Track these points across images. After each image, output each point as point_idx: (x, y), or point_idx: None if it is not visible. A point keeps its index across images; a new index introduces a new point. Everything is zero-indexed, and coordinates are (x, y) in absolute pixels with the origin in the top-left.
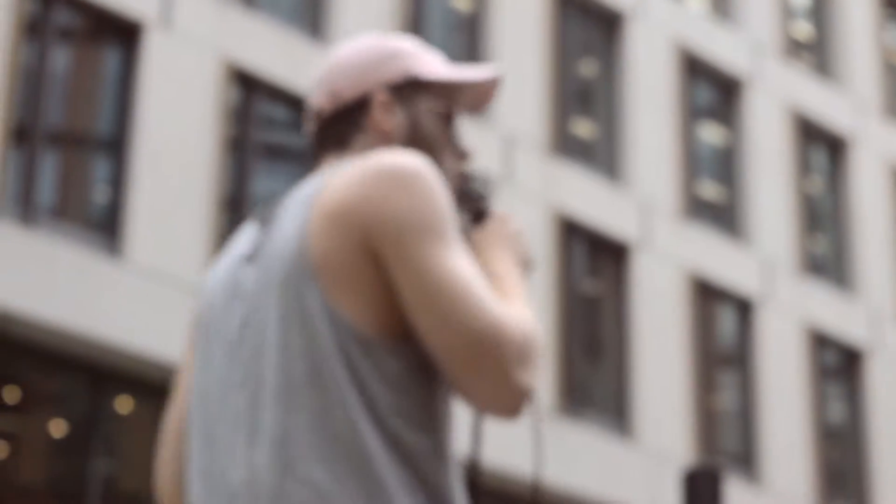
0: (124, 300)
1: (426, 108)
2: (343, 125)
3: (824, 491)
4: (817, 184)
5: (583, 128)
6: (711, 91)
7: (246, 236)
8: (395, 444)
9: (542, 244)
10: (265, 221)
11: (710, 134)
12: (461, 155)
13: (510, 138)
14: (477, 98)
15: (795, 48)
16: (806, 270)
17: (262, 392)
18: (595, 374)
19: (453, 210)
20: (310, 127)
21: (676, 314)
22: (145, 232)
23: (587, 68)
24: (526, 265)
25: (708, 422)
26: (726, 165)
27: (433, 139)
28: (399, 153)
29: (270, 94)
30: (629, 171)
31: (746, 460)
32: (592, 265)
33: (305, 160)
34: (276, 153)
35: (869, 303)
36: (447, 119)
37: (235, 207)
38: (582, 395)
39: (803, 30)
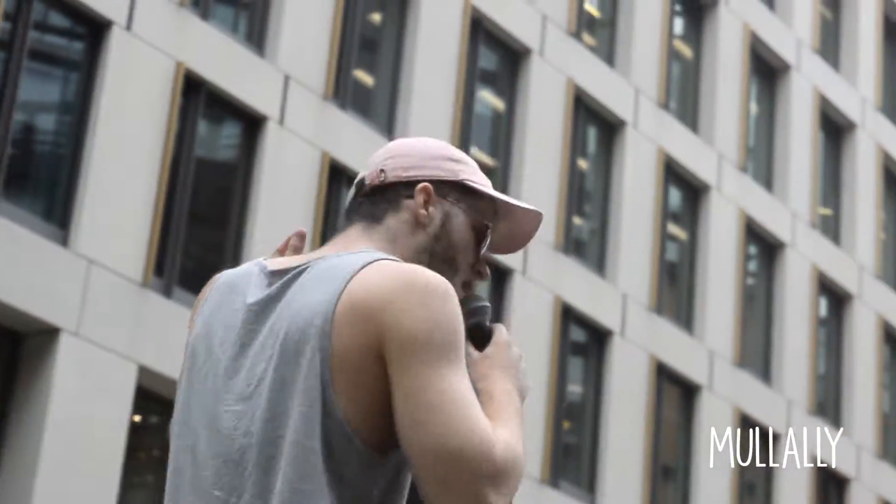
0: None
1: (464, 216)
2: (381, 200)
3: (552, 469)
4: (587, 165)
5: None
6: (495, 59)
7: (251, 281)
8: None
9: None
10: (283, 279)
11: (489, 101)
12: (479, 274)
13: None
14: (514, 237)
15: (582, 27)
16: (564, 248)
17: (254, 448)
18: None
19: (462, 332)
20: (351, 195)
21: None
22: None
23: None
24: (523, 391)
25: None
26: (500, 135)
27: (459, 245)
28: (427, 270)
29: None
30: (404, 128)
31: None
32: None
33: (77, 69)
34: (48, 60)
35: (621, 286)
36: (480, 235)
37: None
38: None
39: (593, 9)
